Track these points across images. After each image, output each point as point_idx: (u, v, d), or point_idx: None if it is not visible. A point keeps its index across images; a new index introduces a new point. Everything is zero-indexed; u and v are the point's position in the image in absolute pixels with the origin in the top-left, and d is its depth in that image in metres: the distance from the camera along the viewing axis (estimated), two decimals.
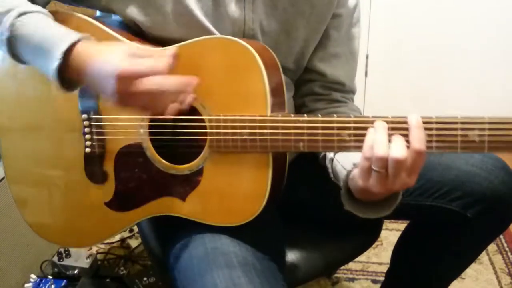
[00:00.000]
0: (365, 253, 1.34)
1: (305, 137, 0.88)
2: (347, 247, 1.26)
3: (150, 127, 0.98)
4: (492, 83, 2.79)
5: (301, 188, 1.13)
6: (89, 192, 1.03)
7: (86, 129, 1.01)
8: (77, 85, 0.89)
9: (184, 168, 0.97)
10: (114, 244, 1.99)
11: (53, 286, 1.61)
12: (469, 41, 2.73)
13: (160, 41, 1.00)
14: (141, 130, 0.98)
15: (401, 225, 1.46)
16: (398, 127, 0.83)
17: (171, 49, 0.83)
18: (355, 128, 0.85)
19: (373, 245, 1.34)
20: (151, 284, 1.71)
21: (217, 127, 0.92)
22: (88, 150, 1.02)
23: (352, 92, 1.21)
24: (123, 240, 2.02)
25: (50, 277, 1.67)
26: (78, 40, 0.85)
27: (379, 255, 1.99)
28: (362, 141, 0.84)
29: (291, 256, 1.17)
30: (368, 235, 1.28)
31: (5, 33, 0.89)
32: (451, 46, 2.75)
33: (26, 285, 1.60)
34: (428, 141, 0.82)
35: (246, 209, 0.95)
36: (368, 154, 0.82)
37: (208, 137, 0.93)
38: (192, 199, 0.98)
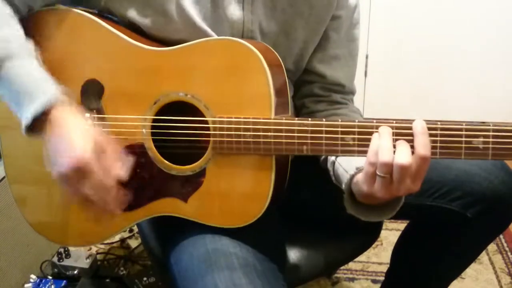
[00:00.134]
0: (365, 253, 1.34)
1: (309, 141, 0.88)
2: (347, 247, 1.26)
3: (153, 127, 0.97)
4: (492, 83, 2.79)
5: (301, 189, 1.13)
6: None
7: None
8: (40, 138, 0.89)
9: (187, 169, 0.97)
10: (114, 244, 1.99)
11: (53, 286, 1.60)
12: (468, 41, 2.73)
13: (161, 41, 1.00)
14: (144, 131, 0.97)
15: (401, 225, 1.46)
16: (403, 132, 0.83)
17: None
18: (359, 133, 0.86)
19: (373, 245, 1.34)
20: (151, 284, 1.71)
21: (221, 129, 0.92)
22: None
23: (352, 93, 1.21)
24: (123, 240, 2.01)
25: (50, 277, 1.66)
26: (52, 104, 0.85)
27: (379, 255, 1.99)
28: (366, 145, 0.84)
29: (291, 256, 1.17)
30: (368, 235, 1.28)
31: None
32: (451, 47, 2.75)
33: (26, 285, 1.60)
34: (433, 147, 0.82)
35: (248, 211, 0.95)
36: (373, 159, 0.83)
37: (211, 139, 0.93)
38: (194, 200, 0.97)
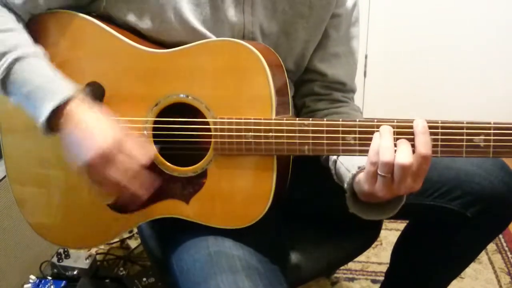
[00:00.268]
0: (365, 253, 1.34)
1: (310, 141, 0.88)
2: (347, 247, 1.26)
3: (154, 129, 0.97)
4: (492, 83, 2.79)
5: (301, 188, 1.13)
6: (92, 193, 1.03)
7: None
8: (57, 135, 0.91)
9: (188, 170, 0.97)
10: (114, 245, 1.98)
11: (52, 287, 1.60)
12: (468, 41, 2.73)
13: (161, 43, 1.00)
14: (145, 132, 0.97)
15: (401, 225, 1.46)
16: (404, 131, 0.83)
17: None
18: (360, 132, 0.86)
19: (373, 245, 1.34)
20: (150, 284, 1.71)
21: (222, 130, 0.92)
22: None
23: (353, 91, 1.21)
24: (122, 240, 2.01)
25: (50, 277, 1.66)
26: (69, 100, 0.87)
27: (379, 255, 1.99)
28: (367, 145, 0.84)
29: (292, 256, 1.17)
30: (367, 235, 1.28)
31: (0, 75, 0.91)
32: (450, 47, 2.75)
33: (25, 286, 1.60)
34: (434, 146, 0.82)
35: (249, 211, 0.95)
36: (374, 159, 0.83)
37: (212, 140, 0.93)
38: (195, 201, 0.97)
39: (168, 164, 0.98)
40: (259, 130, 0.90)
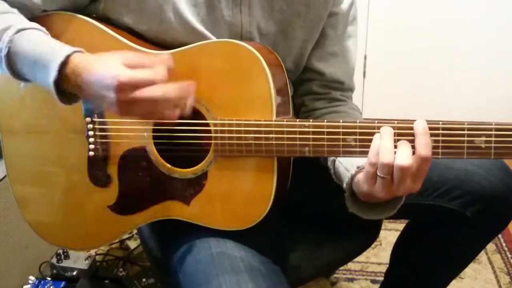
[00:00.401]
0: (364, 253, 1.34)
1: (311, 142, 0.88)
2: (347, 247, 1.26)
3: (154, 130, 0.97)
4: (492, 83, 2.80)
5: (301, 188, 1.12)
6: (93, 195, 1.03)
7: (90, 132, 1.01)
8: (77, 98, 0.89)
9: (188, 172, 0.96)
10: (113, 245, 1.98)
11: (51, 287, 1.60)
12: (468, 41, 2.73)
13: (160, 45, 1.00)
14: (145, 134, 0.97)
15: (400, 225, 1.46)
16: (404, 132, 0.83)
17: (165, 54, 0.84)
18: (361, 134, 0.86)
19: (372, 245, 1.34)
20: (150, 285, 1.71)
21: (222, 131, 0.92)
22: (91, 153, 1.02)
23: (351, 90, 1.21)
24: (122, 241, 2.01)
25: (49, 278, 1.66)
26: (73, 53, 0.85)
27: (378, 255, 1.99)
28: (367, 146, 0.84)
29: (291, 256, 1.17)
30: (367, 235, 1.28)
31: (4, 49, 0.89)
32: (450, 47, 2.75)
33: (24, 286, 1.60)
34: (435, 147, 0.82)
35: (250, 213, 0.95)
36: (373, 160, 0.83)
37: (212, 141, 0.93)
38: (196, 203, 0.97)
39: (169, 165, 0.98)
40: (259, 132, 0.90)
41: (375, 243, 1.61)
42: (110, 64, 0.82)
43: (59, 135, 1.04)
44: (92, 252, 1.85)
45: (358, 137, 0.86)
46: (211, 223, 0.98)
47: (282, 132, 0.89)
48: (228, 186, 0.95)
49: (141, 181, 1.00)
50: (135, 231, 1.96)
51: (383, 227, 1.34)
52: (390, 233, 2.06)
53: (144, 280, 1.71)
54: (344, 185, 0.93)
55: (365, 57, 2.82)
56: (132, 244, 1.98)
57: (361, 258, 1.87)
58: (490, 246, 2.03)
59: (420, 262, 1.23)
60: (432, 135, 0.82)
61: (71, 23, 1.00)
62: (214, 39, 1.00)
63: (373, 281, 1.86)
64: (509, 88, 2.80)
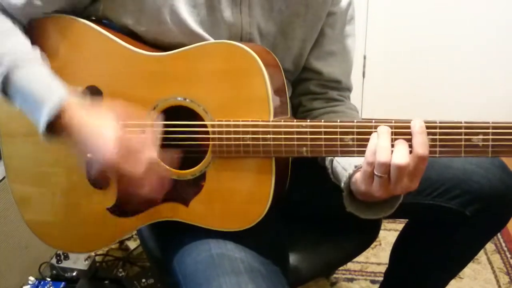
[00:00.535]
0: (364, 253, 1.34)
1: (308, 142, 0.88)
2: (346, 247, 1.26)
3: None
4: (491, 84, 2.79)
5: (299, 189, 1.13)
6: (91, 197, 1.03)
7: None
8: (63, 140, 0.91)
9: (187, 173, 0.96)
10: (113, 246, 1.98)
11: None
12: (467, 41, 2.73)
13: (159, 46, 1.00)
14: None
15: (399, 225, 1.46)
16: (401, 132, 0.83)
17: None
18: (358, 133, 0.86)
19: (372, 246, 1.34)
20: (149, 285, 1.71)
21: (220, 132, 0.92)
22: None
23: (349, 89, 1.21)
24: (121, 242, 2.01)
25: (49, 279, 1.66)
26: (65, 105, 0.87)
27: (378, 255, 1.99)
28: (365, 146, 0.84)
29: (291, 257, 1.17)
30: (366, 235, 1.29)
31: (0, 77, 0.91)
32: (449, 47, 2.75)
33: (24, 287, 1.60)
34: (432, 146, 0.82)
35: (249, 213, 0.95)
36: (370, 159, 0.83)
37: (210, 142, 0.93)
38: (195, 204, 0.97)
39: (167, 167, 0.97)
40: (257, 132, 0.90)
41: (375, 243, 1.62)
42: (102, 139, 0.85)
43: None
44: (92, 252, 1.85)
45: (355, 136, 0.86)
46: (210, 224, 0.98)
47: (279, 133, 0.89)
48: (227, 187, 0.95)
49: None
50: (134, 232, 1.96)
51: (382, 227, 1.34)
52: (389, 233, 2.06)
53: (143, 280, 1.71)
54: (342, 184, 0.93)
55: (364, 58, 2.82)
56: (132, 244, 1.99)
57: (360, 258, 1.87)
58: (490, 246, 2.04)
59: (420, 261, 1.23)
60: (429, 133, 0.82)
61: (69, 26, 1.00)
62: (211, 40, 1.00)
63: (373, 281, 1.86)
64: (509, 88, 2.80)
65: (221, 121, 0.92)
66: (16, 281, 1.64)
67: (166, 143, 0.96)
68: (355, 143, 0.86)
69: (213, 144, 0.93)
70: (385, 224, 2.05)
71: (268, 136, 0.89)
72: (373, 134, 0.84)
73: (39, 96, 0.89)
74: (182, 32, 0.99)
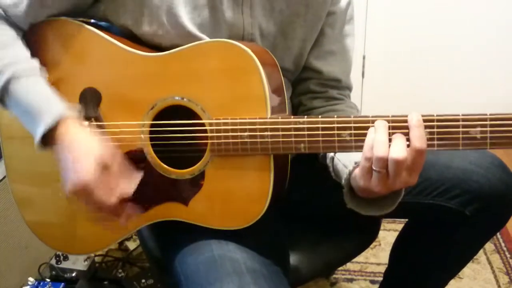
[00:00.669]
0: (363, 253, 1.34)
1: (306, 138, 0.88)
2: (346, 247, 1.26)
3: (151, 132, 0.97)
4: (491, 84, 2.79)
5: (299, 189, 1.13)
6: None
7: None
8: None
9: (186, 173, 0.97)
10: (112, 247, 1.98)
11: None
12: (467, 41, 2.73)
13: (158, 48, 1.00)
14: (142, 136, 0.97)
15: (399, 225, 1.46)
16: (399, 126, 0.83)
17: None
18: (356, 128, 0.86)
19: (371, 246, 1.34)
20: (149, 286, 1.71)
21: (218, 131, 0.92)
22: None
23: (349, 88, 1.21)
24: (121, 242, 2.01)
25: (48, 280, 1.66)
26: (60, 120, 0.89)
27: (377, 255, 1.99)
28: (363, 141, 0.85)
29: (291, 257, 1.17)
30: (366, 234, 1.29)
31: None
32: (449, 47, 2.75)
33: None
34: (430, 139, 0.82)
35: (248, 211, 0.95)
36: (368, 154, 0.83)
37: (209, 141, 0.93)
38: (194, 203, 0.97)
39: (166, 166, 0.98)
40: (254, 130, 0.90)
41: (374, 243, 1.62)
42: (84, 160, 0.87)
43: None
44: (91, 253, 1.85)
45: (353, 131, 0.86)
46: (210, 223, 0.98)
47: (277, 130, 0.89)
48: (226, 186, 0.95)
49: (140, 183, 1.00)
50: (134, 232, 1.96)
51: (382, 227, 1.34)
52: (389, 233, 2.06)
53: (143, 281, 1.71)
54: (343, 181, 0.93)
55: (363, 58, 2.82)
56: (131, 245, 1.99)
57: (360, 258, 1.88)
58: (489, 246, 2.04)
59: (419, 261, 1.23)
60: (427, 127, 0.82)
61: (68, 29, 1.00)
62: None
63: (372, 282, 1.86)
64: (509, 88, 2.80)
65: (219, 119, 0.92)
66: (15, 281, 1.64)
67: (166, 143, 0.96)
68: (352, 138, 0.86)
69: (212, 142, 0.93)
70: (385, 224, 2.05)
71: (266, 133, 0.90)
72: (371, 129, 0.84)
73: (37, 108, 0.91)
74: (179, 34, 0.99)
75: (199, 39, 0.99)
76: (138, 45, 1.00)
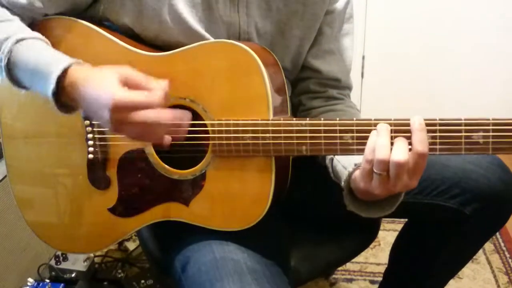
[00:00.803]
0: (363, 253, 1.34)
1: (308, 141, 0.88)
2: (346, 247, 1.26)
3: None
4: (491, 84, 2.80)
5: (299, 189, 1.13)
6: (92, 198, 1.03)
7: (89, 135, 1.01)
8: (75, 109, 0.91)
9: (187, 173, 0.97)
10: (112, 247, 1.98)
11: None
12: (466, 42, 2.73)
13: (159, 46, 1.01)
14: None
15: (399, 225, 1.46)
16: (401, 129, 0.83)
17: (163, 83, 0.84)
18: (358, 131, 0.86)
19: (371, 246, 1.34)
20: (149, 286, 1.71)
21: (220, 132, 0.92)
22: (91, 156, 1.02)
23: (348, 88, 1.21)
24: (120, 242, 2.00)
25: (48, 280, 1.65)
26: (71, 65, 0.87)
27: (377, 255, 2.00)
28: (365, 144, 0.84)
29: (291, 257, 1.17)
30: (366, 235, 1.29)
31: (4, 60, 0.91)
32: (448, 47, 2.75)
33: None
34: (432, 143, 0.82)
35: (249, 212, 0.95)
36: (369, 157, 0.83)
37: (210, 142, 0.93)
38: (195, 204, 0.97)
39: (167, 167, 0.98)
40: (256, 131, 0.90)
41: (374, 243, 1.62)
42: (107, 82, 0.82)
43: (59, 140, 1.04)
44: (91, 253, 1.85)
45: (355, 134, 0.86)
46: (211, 223, 0.98)
47: (279, 131, 0.89)
48: (227, 186, 0.95)
49: (141, 183, 1.00)
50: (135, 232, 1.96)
51: (381, 227, 1.34)
52: (388, 233, 2.06)
53: (143, 281, 1.71)
54: (342, 183, 0.93)
55: (363, 58, 2.82)
56: (131, 245, 1.98)
57: (360, 258, 1.88)
58: (489, 246, 2.04)
59: (419, 260, 1.23)
60: (429, 131, 0.82)
61: (71, 27, 1.00)
62: (211, 39, 1.00)
63: (372, 282, 1.86)
64: (509, 88, 2.80)
65: (221, 120, 0.92)
66: (15, 282, 1.64)
67: None
68: (354, 141, 0.86)
69: (213, 143, 0.93)
70: (384, 225, 2.05)
71: (268, 135, 0.89)
72: (373, 132, 0.84)
73: (45, 63, 0.89)
74: (182, 31, 0.99)
75: (201, 35, 0.99)
76: (139, 44, 1.00)
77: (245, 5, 1.02)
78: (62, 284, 1.63)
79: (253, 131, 0.90)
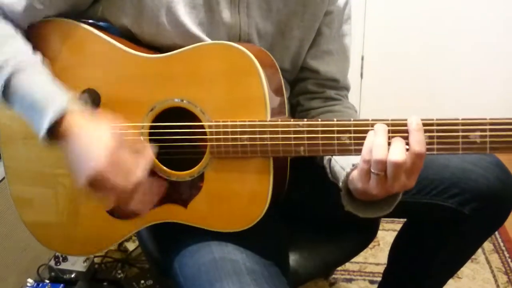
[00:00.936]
0: (362, 253, 1.34)
1: (305, 141, 0.88)
2: (345, 247, 1.26)
3: (151, 134, 0.97)
4: (491, 84, 2.80)
5: (298, 189, 1.13)
6: (91, 199, 1.02)
7: None
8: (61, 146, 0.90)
9: (185, 175, 0.97)
10: (111, 247, 1.98)
11: None
12: (466, 42, 2.73)
13: (156, 48, 1.01)
14: (142, 137, 0.97)
15: (398, 225, 1.46)
16: (399, 129, 0.83)
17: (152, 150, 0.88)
18: (355, 132, 0.86)
19: (370, 246, 1.34)
20: (148, 287, 1.71)
21: (217, 133, 0.92)
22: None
23: (346, 88, 1.21)
24: (120, 243, 2.01)
25: (47, 281, 1.66)
26: (65, 112, 0.86)
27: (376, 255, 2.00)
28: (362, 144, 0.84)
29: (290, 257, 1.17)
30: (365, 235, 1.29)
31: (0, 88, 0.90)
32: (448, 47, 2.75)
33: None
34: (430, 143, 0.82)
35: (248, 214, 0.95)
36: (367, 157, 0.83)
37: (208, 143, 0.93)
38: (194, 205, 0.97)
39: (165, 168, 0.98)
40: (254, 132, 0.90)
41: (373, 243, 1.62)
42: (95, 147, 0.83)
43: None
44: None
45: (352, 135, 0.86)
46: (210, 225, 0.98)
47: (276, 132, 0.89)
48: (225, 188, 0.95)
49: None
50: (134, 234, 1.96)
51: (380, 227, 1.34)
52: (388, 233, 2.06)
53: (142, 282, 1.71)
54: (340, 183, 0.93)
55: (362, 58, 2.82)
56: (131, 246, 1.98)
57: (359, 258, 1.88)
58: (488, 246, 2.04)
59: (418, 260, 1.23)
60: (426, 131, 0.82)
61: (68, 29, 1.00)
62: (209, 41, 1.00)
63: (371, 282, 1.87)
64: (509, 87, 2.80)
65: (218, 121, 0.92)
66: (14, 283, 1.64)
67: (165, 145, 0.96)
68: (352, 141, 0.86)
69: (211, 145, 0.93)
70: (383, 224, 2.05)
71: (265, 136, 0.90)
72: (370, 132, 0.84)
73: (40, 101, 0.88)
74: (179, 34, 0.99)
75: (199, 38, 0.99)
76: (137, 46, 1.01)
77: (245, 6, 1.02)
78: (61, 285, 1.63)
79: (251, 132, 0.90)
